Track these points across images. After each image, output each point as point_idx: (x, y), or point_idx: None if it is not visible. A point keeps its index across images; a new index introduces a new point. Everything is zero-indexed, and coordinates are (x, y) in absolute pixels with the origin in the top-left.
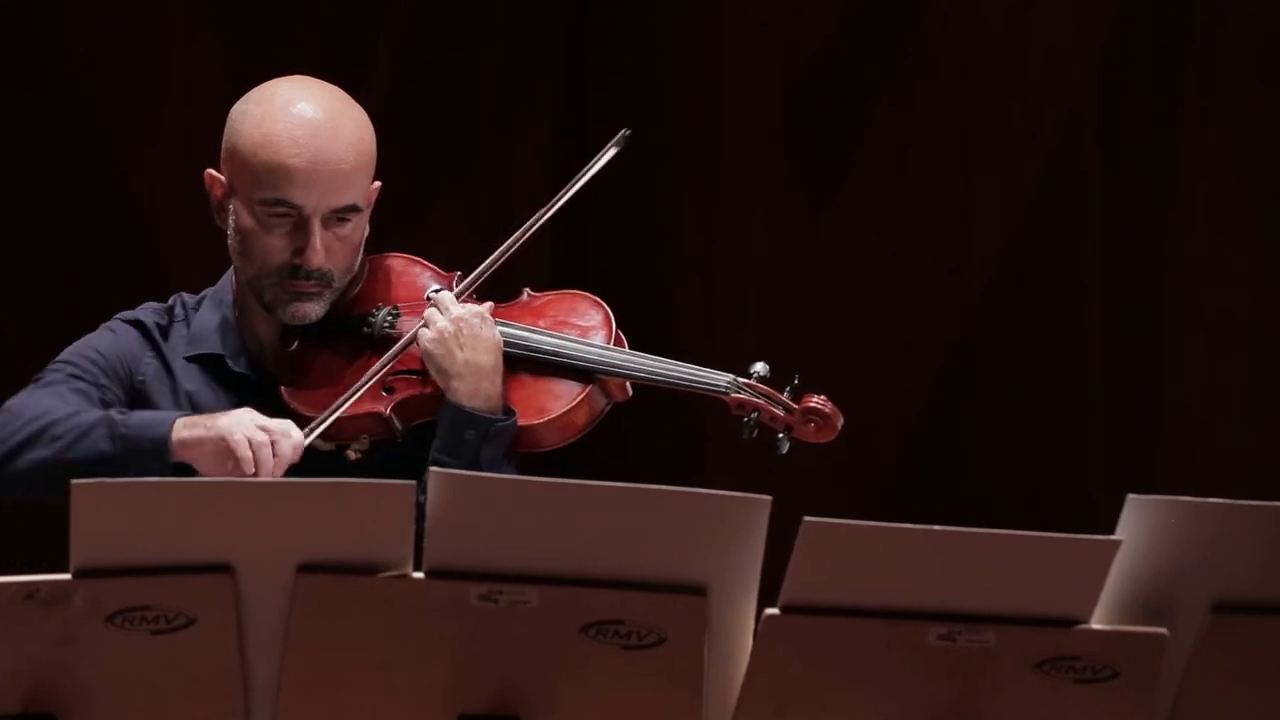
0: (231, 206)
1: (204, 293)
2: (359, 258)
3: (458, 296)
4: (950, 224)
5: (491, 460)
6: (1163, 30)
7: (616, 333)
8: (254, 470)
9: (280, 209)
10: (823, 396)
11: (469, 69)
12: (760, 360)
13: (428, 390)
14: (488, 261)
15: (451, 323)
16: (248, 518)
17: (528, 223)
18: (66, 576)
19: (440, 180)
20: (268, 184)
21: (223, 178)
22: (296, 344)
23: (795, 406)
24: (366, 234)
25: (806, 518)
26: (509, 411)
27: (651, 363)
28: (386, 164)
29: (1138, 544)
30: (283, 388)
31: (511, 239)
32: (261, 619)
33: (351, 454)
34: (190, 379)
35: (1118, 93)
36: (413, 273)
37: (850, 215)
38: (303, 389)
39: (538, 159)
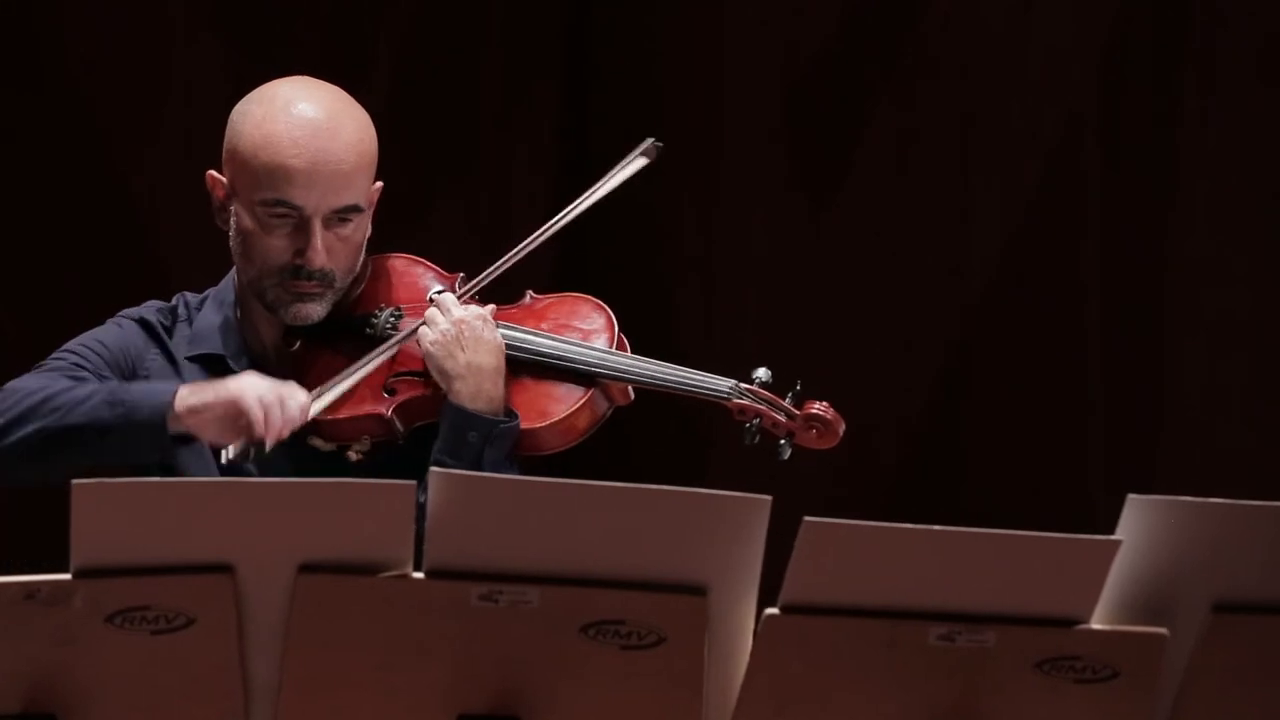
0: (233, 207)
1: (207, 292)
2: (361, 258)
3: (460, 298)
4: (950, 224)
5: (494, 462)
6: (1163, 30)
7: (619, 336)
8: (264, 430)
9: (281, 210)
10: (825, 403)
11: (469, 69)
12: (760, 361)
13: (429, 392)
14: (495, 265)
15: (453, 324)
16: (248, 518)
17: (541, 229)
18: (66, 576)
19: (440, 180)
20: (268, 185)
21: (224, 179)
22: (299, 344)
23: (797, 413)
24: (369, 234)
25: (807, 518)
26: (511, 414)
27: (653, 367)
28: (386, 164)
29: (1138, 544)
30: None
31: (521, 245)
32: (262, 619)
33: (353, 455)
34: (193, 378)
35: (1118, 93)
36: (415, 273)
37: (850, 215)
38: (306, 390)
39: (538, 159)
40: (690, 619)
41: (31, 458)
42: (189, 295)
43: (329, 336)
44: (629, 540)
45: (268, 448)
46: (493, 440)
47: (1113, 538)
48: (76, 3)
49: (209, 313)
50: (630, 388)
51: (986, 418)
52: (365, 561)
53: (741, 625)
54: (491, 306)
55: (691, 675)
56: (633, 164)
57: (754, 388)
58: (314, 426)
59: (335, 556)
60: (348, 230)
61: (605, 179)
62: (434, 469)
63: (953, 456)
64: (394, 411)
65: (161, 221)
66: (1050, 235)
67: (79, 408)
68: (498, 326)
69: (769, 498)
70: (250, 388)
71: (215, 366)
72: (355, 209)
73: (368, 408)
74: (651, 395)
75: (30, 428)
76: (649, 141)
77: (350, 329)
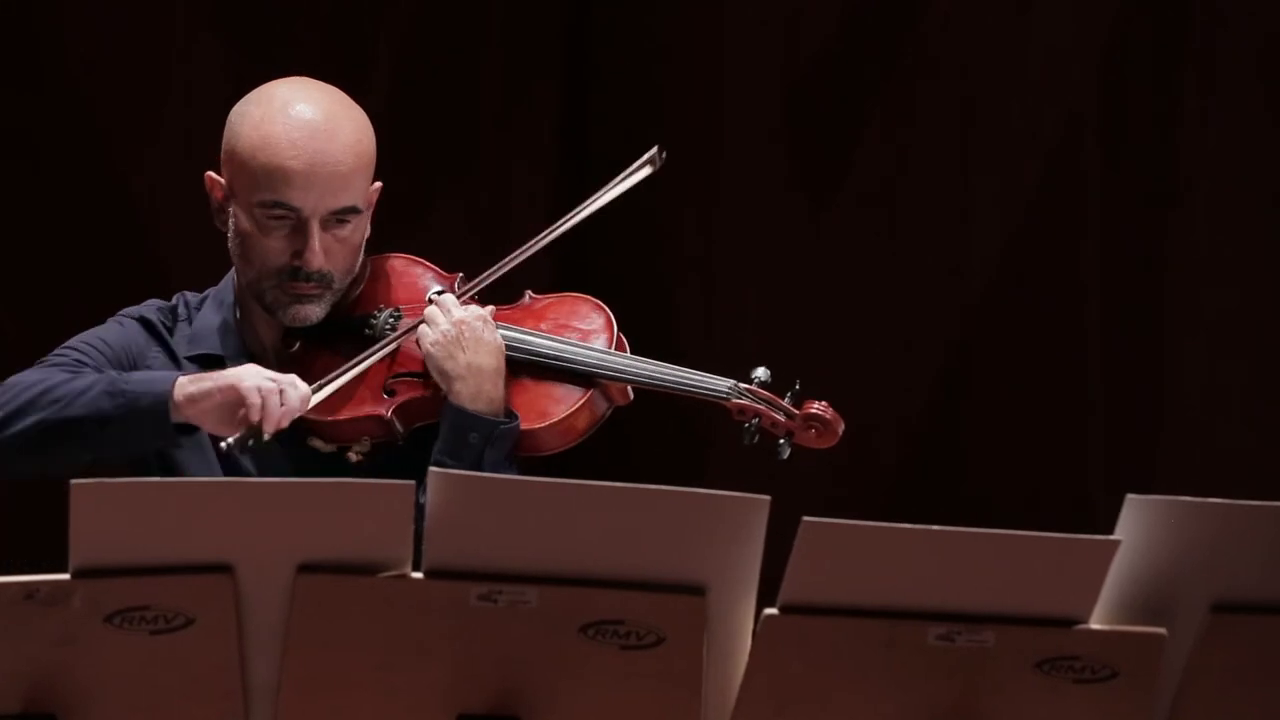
0: (231, 209)
1: (207, 292)
2: (360, 259)
3: (460, 299)
4: (950, 224)
5: (494, 463)
6: (1163, 30)
7: (618, 336)
8: (263, 418)
9: (278, 211)
10: (824, 403)
11: (469, 69)
12: (760, 360)
13: (429, 393)
14: (494, 268)
15: (453, 325)
16: (247, 518)
17: (541, 234)
18: (66, 576)
19: (440, 180)
20: (266, 186)
21: (222, 180)
22: (298, 345)
23: (796, 412)
24: (368, 235)
25: (806, 518)
26: (512, 414)
27: (653, 367)
28: (386, 164)
29: (1137, 544)
30: None
31: (522, 249)
32: (261, 619)
33: (353, 456)
34: None
35: (1118, 93)
36: (414, 274)
37: (850, 215)
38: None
39: (538, 159)
40: (689, 619)
41: (31, 450)
42: (189, 295)
43: (328, 337)
44: (628, 540)
45: (266, 436)
46: (493, 441)
47: (1112, 538)
48: (76, 3)
49: (208, 313)
50: (629, 388)
51: (986, 418)
52: (365, 561)
53: (741, 625)
54: (491, 308)
55: (691, 675)
56: (638, 172)
57: (753, 387)
58: (314, 428)
59: (335, 556)
60: (346, 231)
61: (609, 186)
62: (433, 469)
63: (953, 456)
64: (394, 412)
65: (161, 221)
66: (1050, 235)
67: (79, 399)
68: (497, 327)
69: (768, 498)
70: (250, 376)
71: (214, 367)
72: (353, 210)
73: (367, 409)
74: (651, 395)
75: (30, 420)
76: (654, 150)
77: (349, 330)
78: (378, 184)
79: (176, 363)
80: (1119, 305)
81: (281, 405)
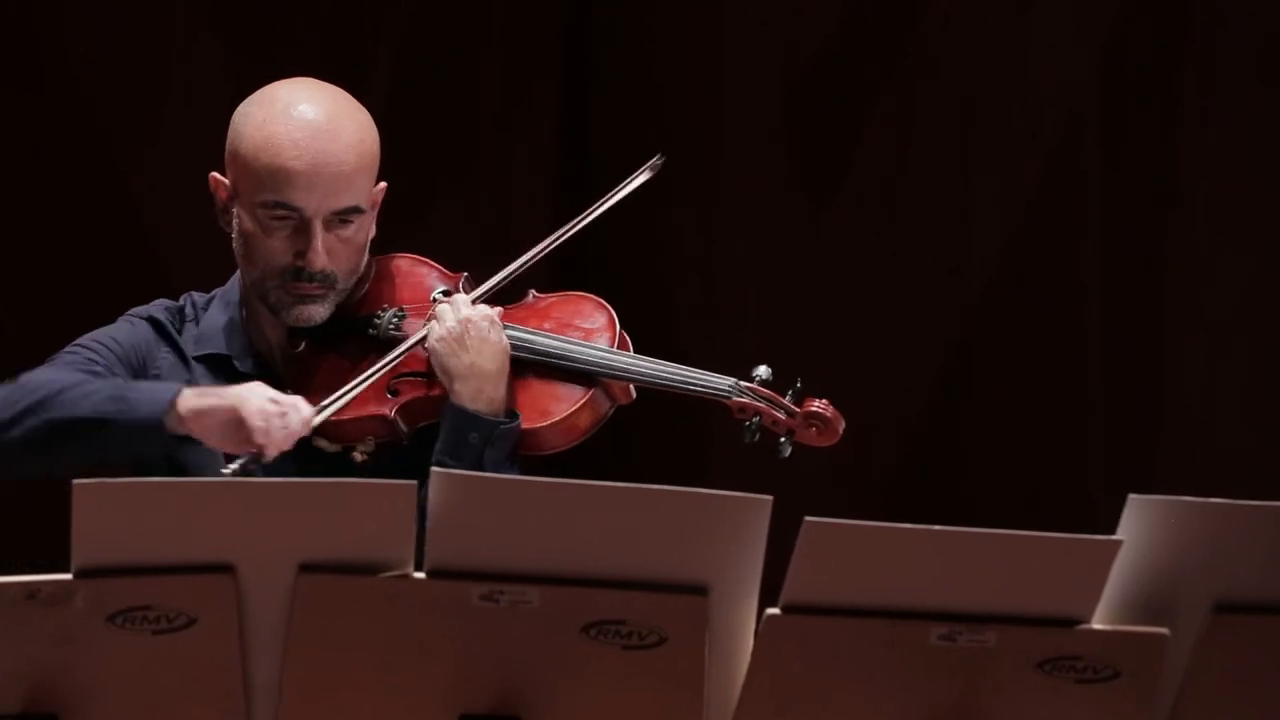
0: (235, 209)
1: (214, 292)
2: (364, 259)
3: (473, 299)
4: (950, 224)
5: (494, 463)
6: (1163, 30)
7: (620, 335)
8: (265, 441)
9: (281, 211)
10: (824, 401)
11: (469, 69)
12: (761, 360)
13: (433, 393)
14: (499, 275)
15: (459, 323)
16: (249, 518)
17: (544, 242)
18: (67, 576)
19: (440, 180)
20: (269, 187)
21: (226, 181)
22: (303, 345)
23: (797, 411)
24: (372, 235)
25: (807, 518)
26: (513, 414)
27: (654, 366)
28: (386, 164)
29: (1138, 544)
30: (288, 390)
31: (525, 256)
32: (262, 619)
33: (357, 456)
34: (202, 377)
35: (1118, 93)
36: (419, 273)
37: (850, 215)
38: (309, 390)
39: (538, 159)
40: (691, 619)
41: (37, 449)
42: (196, 295)
43: (333, 337)
44: (630, 540)
45: (267, 459)
46: (494, 441)
47: (1113, 538)
48: (76, 3)
49: (215, 313)
50: (632, 387)
51: (986, 418)
52: (366, 561)
53: (742, 625)
54: (500, 309)
55: (692, 675)
56: (638, 179)
57: (754, 386)
58: (318, 428)
59: (336, 556)
60: (349, 232)
61: (611, 194)
62: (434, 469)
63: (953, 456)
64: (397, 412)
65: (161, 221)
66: (1050, 235)
67: (85, 401)
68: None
69: (770, 498)
70: (253, 398)
71: (221, 366)
72: (356, 210)
73: (371, 408)
74: (653, 394)
75: (39, 419)
76: (657, 158)
77: (354, 329)
78: (382, 184)
79: (186, 363)
80: (1119, 305)
81: (284, 429)
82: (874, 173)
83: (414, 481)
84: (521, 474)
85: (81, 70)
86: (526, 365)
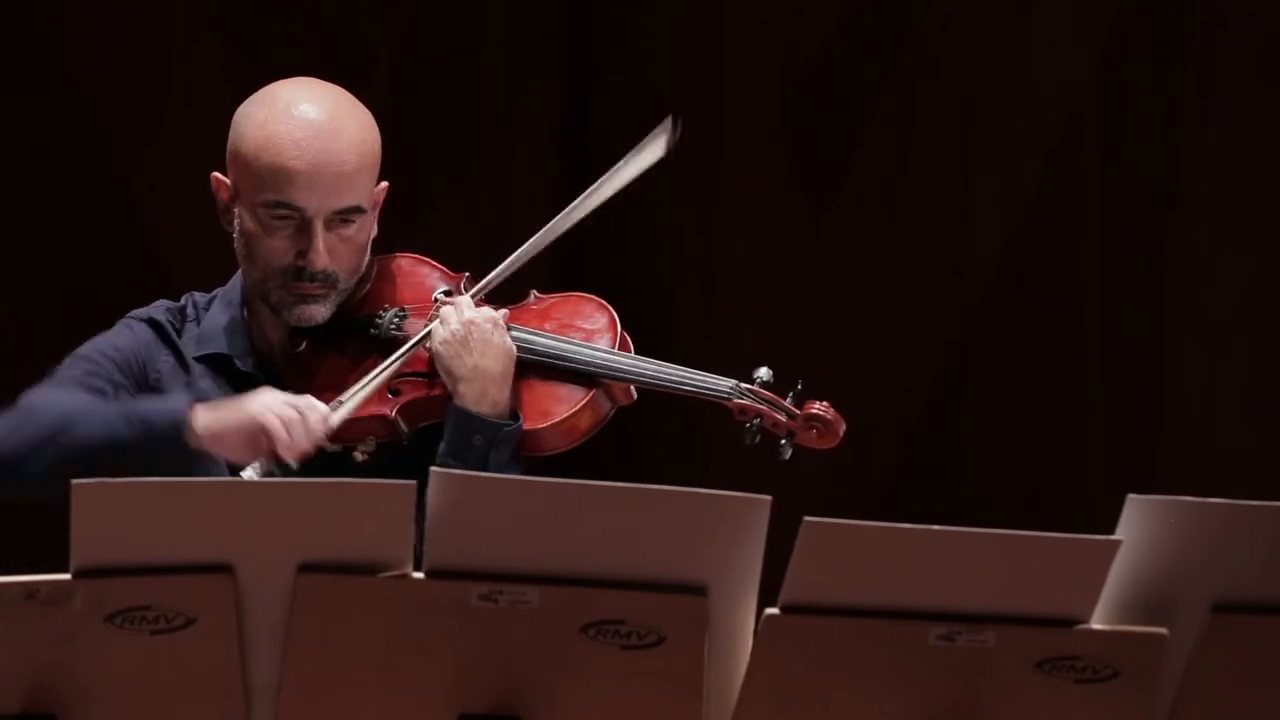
0: (236, 209)
1: (215, 292)
2: (366, 259)
3: (474, 299)
4: (950, 224)
5: (499, 464)
6: (1163, 30)
7: (622, 336)
8: (289, 449)
9: (282, 211)
10: (825, 403)
11: (469, 69)
12: (760, 361)
13: (434, 393)
14: (504, 265)
15: (463, 325)
16: (248, 518)
17: (554, 219)
18: (66, 576)
19: (440, 180)
20: (270, 187)
21: (228, 181)
22: (305, 345)
23: (798, 413)
24: (374, 235)
25: (807, 517)
26: (514, 415)
27: (655, 367)
28: (386, 164)
29: (1138, 544)
30: (290, 390)
31: (527, 244)
32: (262, 619)
33: (358, 456)
34: (203, 378)
35: (1118, 93)
36: (421, 273)
37: (850, 215)
38: (310, 390)
39: (538, 159)
40: (690, 619)
41: (55, 480)
42: (197, 295)
43: (334, 337)
44: (629, 540)
45: (294, 466)
46: (497, 443)
47: (1113, 538)
48: (76, 3)
49: (216, 313)
50: (633, 388)
51: (986, 418)
52: (365, 561)
53: (741, 625)
54: (505, 310)
55: (692, 675)
56: (651, 147)
57: (755, 388)
58: None
59: (335, 556)
60: (350, 231)
61: (623, 162)
62: (434, 469)
63: (953, 456)
64: (398, 412)
65: (161, 221)
66: (1050, 235)
67: (98, 429)
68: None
69: (769, 498)
70: (268, 406)
71: (222, 366)
72: (358, 210)
73: (372, 408)
74: (654, 395)
75: (54, 450)
76: (668, 123)
77: (355, 329)
78: (384, 184)
79: (185, 366)
80: (1119, 305)
81: (305, 432)
82: (874, 173)
83: (413, 481)
84: (524, 474)
85: (81, 70)
86: (527, 366)
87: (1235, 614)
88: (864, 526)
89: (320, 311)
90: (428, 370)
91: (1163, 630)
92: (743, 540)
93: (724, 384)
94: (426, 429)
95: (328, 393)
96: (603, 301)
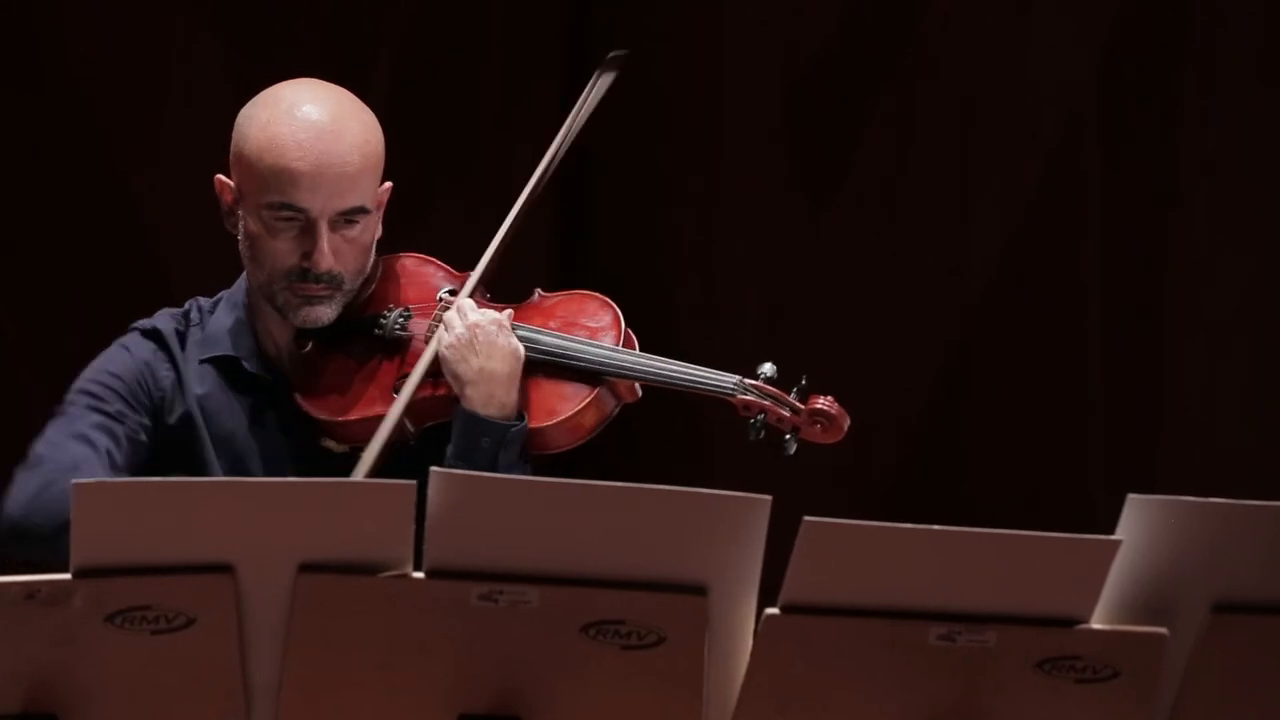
0: (240, 211)
1: (220, 295)
2: (370, 259)
3: (472, 295)
4: (950, 224)
5: (508, 465)
6: (1163, 30)
7: (626, 333)
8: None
9: (286, 213)
10: (829, 398)
11: (469, 69)
12: (760, 360)
13: (440, 392)
14: (491, 247)
15: (467, 329)
16: (248, 518)
17: (527, 186)
18: (67, 576)
19: (440, 180)
20: (274, 188)
21: (231, 183)
22: (310, 346)
23: (802, 408)
24: (379, 235)
25: (807, 517)
26: (519, 415)
27: (659, 364)
28: (387, 164)
29: (1138, 544)
30: (296, 391)
31: (508, 219)
32: (262, 619)
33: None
34: (202, 383)
35: (1118, 93)
36: (425, 273)
37: (850, 215)
38: (316, 391)
39: (538, 159)
40: (690, 619)
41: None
42: (201, 300)
43: (340, 338)
44: (629, 540)
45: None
46: (505, 444)
47: (1113, 538)
48: (76, 3)
49: (222, 315)
50: (638, 385)
51: (986, 418)
52: (365, 561)
53: (742, 625)
54: (509, 311)
55: (692, 675)
56: (600, 84)
57: (759, 383)
58: (326, 428)
59: (335, 556)
60: (354, 232)
61: (577, 108)
62: (434, 469)
63: (953, 456)
64: (404, 412)
65: (162, 221)
66: (1050, 235)
67: None
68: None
69: (769, 498)
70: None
71: (229, 368)
72: (362, 210)
73: (377, 408)
74: (659, 392)
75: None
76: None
77: (360, 330)
78: (388, 184)
79: (181, 379)
80: (1119, 305)
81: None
82: (874, 173)
83: (413, 481)
84: (534, 474)
85: (81, 70)
86: (532, 364)
87: (1235, 614)
88: (864, 526)
89: (326, 312)
90: (432, 370)
91: (1163, 630)
92: (743, 540)
93: (728, 380)
94: (433, 429)
95: (335, 394)
96: (607, 299)
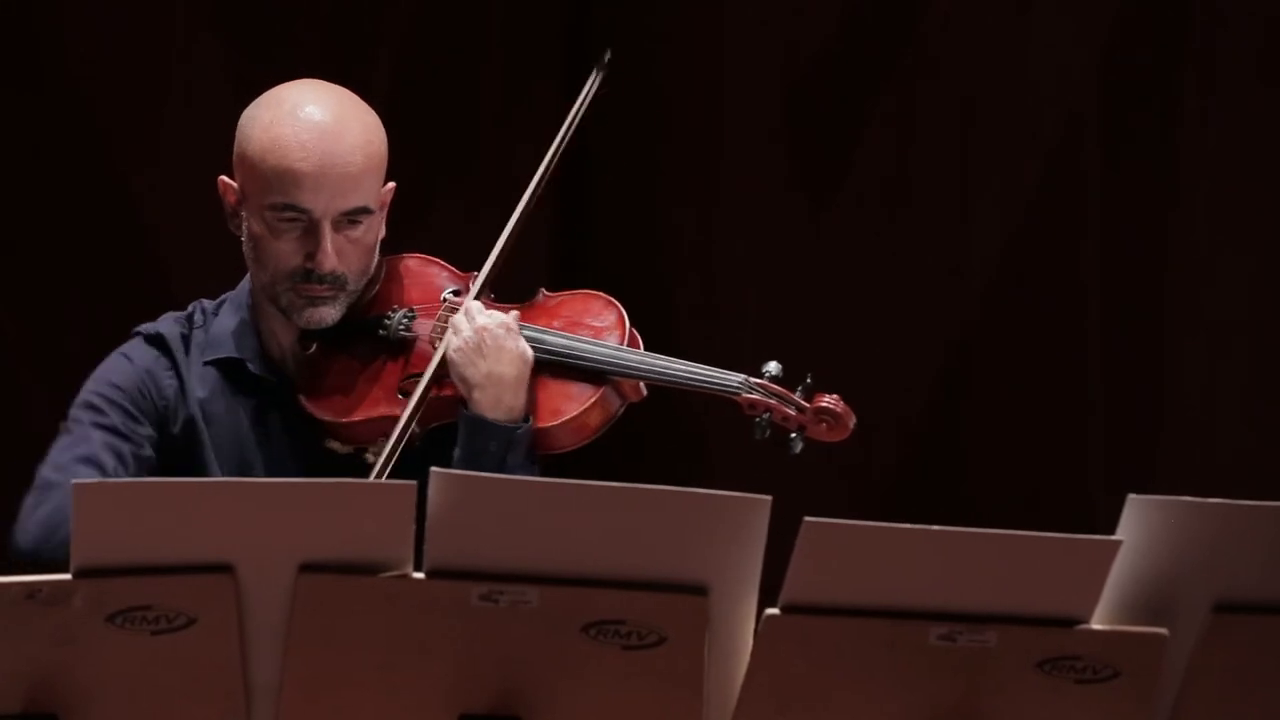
0: (244, 213)
1: (223, 296)
2: (374, 260)
3: (478, 298)
4: (950, 224)
5: (515, 466)
6: (1163, 30)
7: (630, 332)
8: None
9: (289, 214)
10: (835, 396)
11: (469, 69)
12: (761, 360)
13: (445, 393)
14: (495, 251)
15: (475, 332)
16: (248, 518)
17: (528, 189)
18: (67, 576)
19: (440, 180)
20: (277, 189)
21: (234, 184)
22: (314, 347)
23: (807, 406)
24: (382, 235)
25: (807, 518)
26: (525, 417)
27: (664, 363)
28: (387, 164)
29: (1138, 544)
30: (301, 392)
31: (511, 220)
32: (262, 619)
33: (370, 457)
34: (203, 386)
35: (1118, 93)
36: (429, 273)
37: (850, 215)
38: (321, 393)
39: (537, 159)
40: (691, 619)
41: None
42: (205, 302)
43: (344, 339)
44: (629, 540)
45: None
46: (512, 446)
47: (1113, 538)
48: (76, 3)
49: (225, 317)
50: (643, 384)
51: (986, 418)
52: (366, 561)
53: (742, 625)
54: (515, 313)
55: (692, 675)
56: (591, 88)
57: (764, 382)
58: (330, 430)
59: (336, 556)
60: (358, 232)
61: (571, 114)
62: (434, 469)
63: (953, 456)
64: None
65: (161, 221)
66: (1050, 235)
67: None
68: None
69: (769, 498)
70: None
71: (233, 370)
72: (365, 211)
73: (382, 410)
74: (661, 392)
75: None
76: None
77: (364, 330)
78: (391, 184)
79: (184, 384)
80: (1119, 305)
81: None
82: (874, 173)
83: (413, 482)
84: (542, 474)
85: (81, 70)
86: (537, 364)
87: (1235, 614)
88: (864, 526)
89: (330, 313)
90: (438, 372)
91: (1163, 630)
92: (743, 540)
93: (733, 379)
94: (438, 429)
95: (339, 395)
96: (611, 298)
